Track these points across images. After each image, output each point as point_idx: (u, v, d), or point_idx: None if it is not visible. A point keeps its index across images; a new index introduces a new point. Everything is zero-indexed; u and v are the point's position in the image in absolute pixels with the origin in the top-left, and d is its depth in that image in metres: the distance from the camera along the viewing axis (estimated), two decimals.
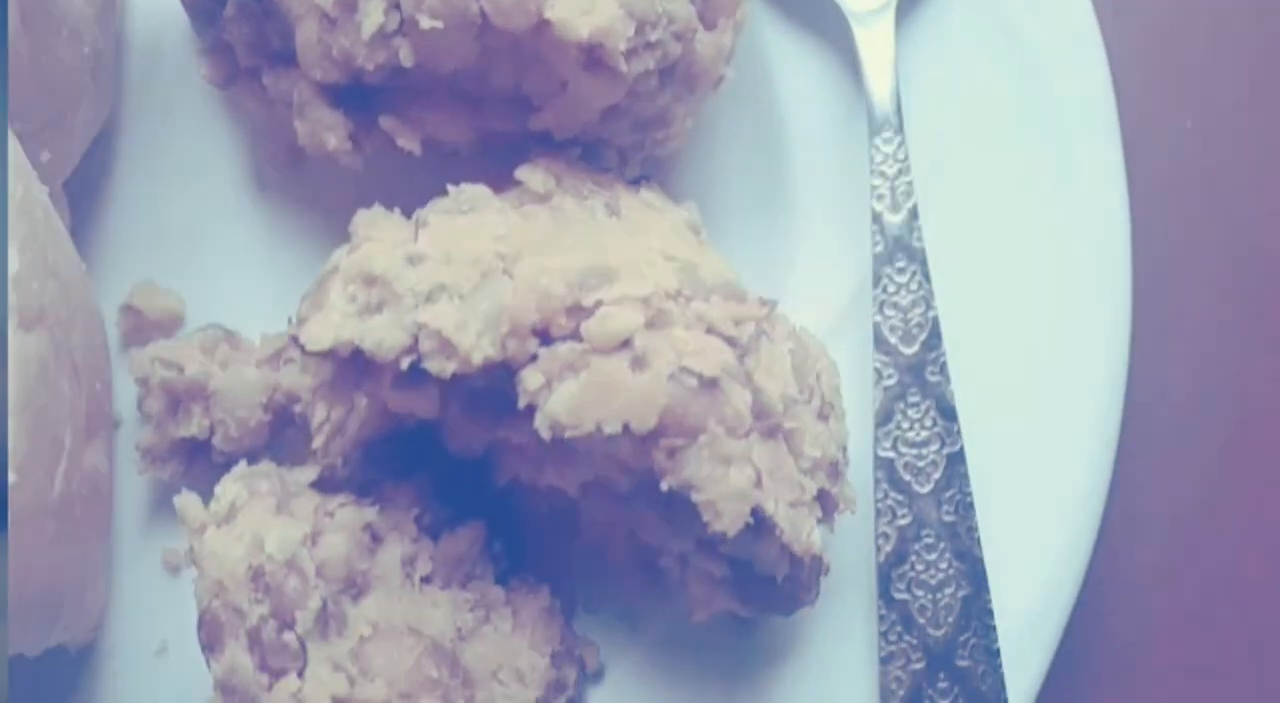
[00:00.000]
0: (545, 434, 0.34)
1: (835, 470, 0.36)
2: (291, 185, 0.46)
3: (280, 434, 0.43)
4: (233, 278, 0.46)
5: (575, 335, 0.34)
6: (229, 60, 0.42)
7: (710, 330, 0.35)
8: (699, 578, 0.39)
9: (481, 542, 0.41)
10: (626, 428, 0.33)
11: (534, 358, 0.35)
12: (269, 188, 0.46)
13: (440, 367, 0.34)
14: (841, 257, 0.42)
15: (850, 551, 0.40)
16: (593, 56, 0.37)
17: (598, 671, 0.42)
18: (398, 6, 0.37)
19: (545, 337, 0.35)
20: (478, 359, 0.34)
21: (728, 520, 0.33)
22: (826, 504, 0.37)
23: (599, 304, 0.34)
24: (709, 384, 0.33)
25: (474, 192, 0.38)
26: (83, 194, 0.45)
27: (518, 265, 0.35)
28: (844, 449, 0.37)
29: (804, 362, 0.36)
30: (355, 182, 0.43)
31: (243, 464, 0.38)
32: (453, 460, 0.41)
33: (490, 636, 0.39)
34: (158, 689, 0.43)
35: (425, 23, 0.36)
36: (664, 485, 0.34)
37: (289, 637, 0.33)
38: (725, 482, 0.33)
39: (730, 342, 0.34)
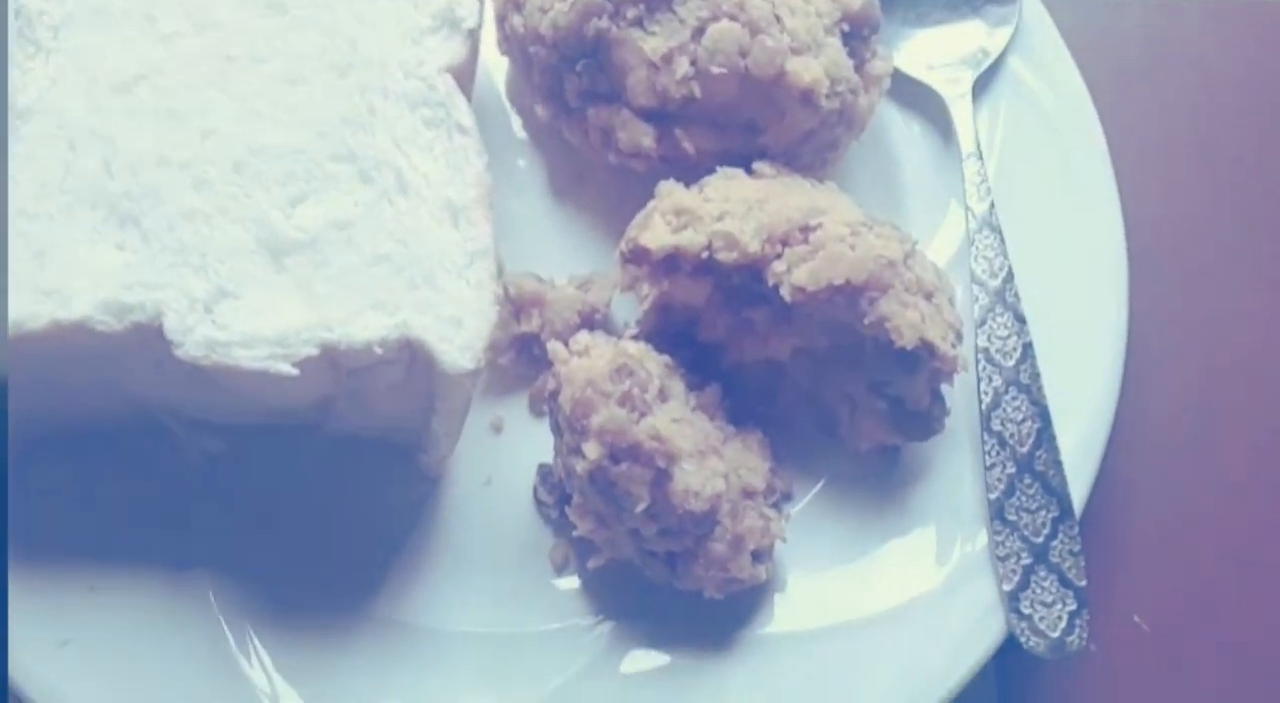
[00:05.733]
0: (788, 296, 0.57)
1: (959, 337, 0.59)
2: (575, 195, 0.70)
3: None
4: (538, 258, 0.69)
5: (805, 243, 0.58)
6: (558, 103, 0.67)
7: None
8: (866, 415, 0.61)
9: (719, 397, 0.62)
10: (847, 282, 0.56)
11: (778, 257, 0.58)
12: (562, 197, 0.70)
13: (726, 255, 0.58)
14: (944, 231, 0.67)
15: (960, 402, 0.62)
16: (805, 97, 0.62)
17: (789, 491, 0.63)
18: (695, 62, 0.62)
19: (785, 244, 0.58)
20: (751, 249, 0.57)
21: (907, 337, 0.56)
22: (952, 368, 0.59)
23: (820, 225, 0.58)
24: (892, 263, 0.57)
25: (732, 171, 0.62)
26: None
27: (767, 204, 0.59)
28: (960, 330, 0.60)
29: (938, 274, 0.60)
30: (614, 194, 0.67)
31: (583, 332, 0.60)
32: (702, 351, 0.64)
33: (730, 450, 0.60)
34: (482, 508, 0.63)
35: (714, 70, 0.61)
36: (866, 320, 0.56)
37: (647, 396, 0.55)
38: (905, 315, 0.56)
39: (900, 243, 0.58)
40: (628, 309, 0.65)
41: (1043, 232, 0.66)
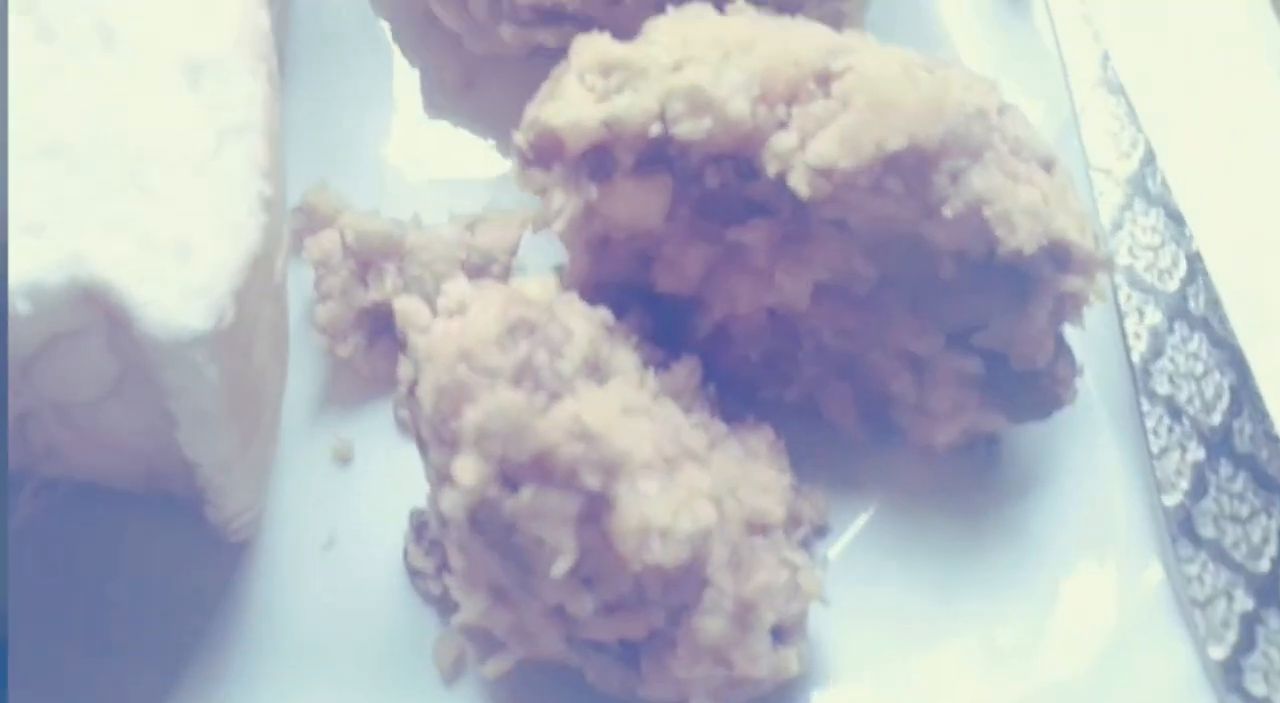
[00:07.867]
0: (805, 190, 0.33)
1: (1096, 236, 0.35)
2: (460, 108, 0.47)
3: None
4: (402, 197, 0.45)
5: (826, 96, 0.34)
6: None
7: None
8: (945, 386, 0.37)
9: (699, 378, 0.38)
10: (911, 146, 0.32)
11: (782, 126, 0.34)
12: (440, 113, 0.47)
13: (693, 128, 0.34)
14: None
15: (1093, 355, 0.38)
16: None
17: (824, 522, 0.38)
18: None
19: (791, 103, 0.34)
20: (735, 112, 0.33)
21: (1023, 235, 0.32)
22: (1092, 287, 0.35)
23: (849, 69, 0.34)
24: (983, 113, 0.33)
25: (698, 6, 0.38)
26: None
27: (756, 47, 0.35)
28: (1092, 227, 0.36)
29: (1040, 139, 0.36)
30: (515, 94, 0.44)
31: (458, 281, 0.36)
32: (661, 310, 0.40)
33: (723, 458, 0.36)
34: (323, 585, 0.39)
35: None
36: (948, 211, 0.32)
37: (562, 365, 0.31)
38: (1017, 195, 0.32)
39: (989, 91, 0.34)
40: (546, 258, 0.42)
41: (1190, 84, 0.42)
